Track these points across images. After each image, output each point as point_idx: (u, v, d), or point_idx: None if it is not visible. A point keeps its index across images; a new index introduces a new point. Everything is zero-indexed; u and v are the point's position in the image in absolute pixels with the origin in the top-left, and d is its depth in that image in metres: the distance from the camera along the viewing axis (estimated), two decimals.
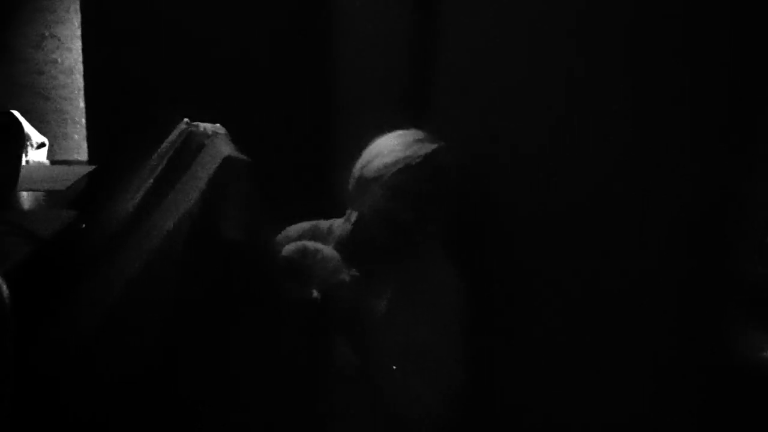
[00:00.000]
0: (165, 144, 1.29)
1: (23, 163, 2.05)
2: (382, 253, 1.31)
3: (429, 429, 1.24)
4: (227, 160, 0.79)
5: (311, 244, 1.16)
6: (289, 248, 1.15)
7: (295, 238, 1.35)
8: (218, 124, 1.32)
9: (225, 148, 0.91)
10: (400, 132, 1.33)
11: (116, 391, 0.77)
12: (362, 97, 1.91)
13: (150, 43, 2.00)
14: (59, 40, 2.35)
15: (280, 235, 1.39)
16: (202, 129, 1.27)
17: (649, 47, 0.91)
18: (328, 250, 1.15)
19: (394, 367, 1.20)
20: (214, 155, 0.88)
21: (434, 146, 1.29)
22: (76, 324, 0.80)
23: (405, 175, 1.26)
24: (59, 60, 2.36)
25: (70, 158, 2.36)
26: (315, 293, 1.04)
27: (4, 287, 0.63)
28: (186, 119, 1.34)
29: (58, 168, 1.84)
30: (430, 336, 1.24)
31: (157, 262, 0.78)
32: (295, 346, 0.91)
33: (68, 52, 2.35)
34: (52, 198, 1.34)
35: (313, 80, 2.06)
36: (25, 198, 1.30)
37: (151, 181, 1.20)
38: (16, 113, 2.02)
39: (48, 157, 2.18)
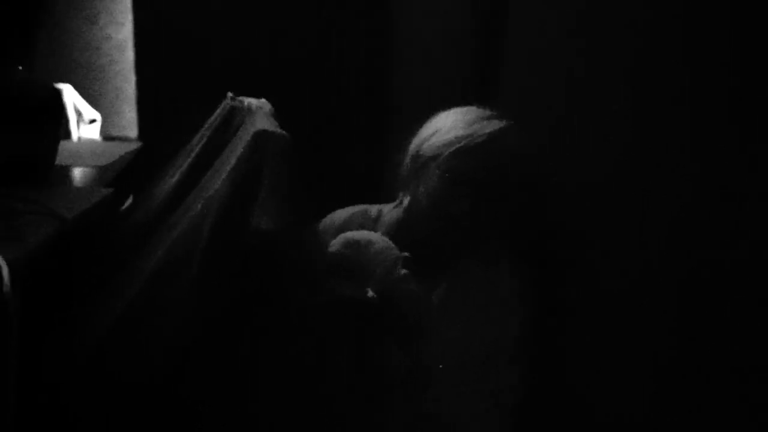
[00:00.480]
0: (209, 121, 1.21)
1: (75, 139, 2.04)
2: (435, 247, 1.16)
3: None
4: (259, 135, 0.68)
5: (362, 236, 1.02)
6: (337, 242, 1.02)
7: (340, 224, 1.24)
8: (263, 99, 1.23)
9: (263, 123, 0.81)
10: (465, 108, 1.17)
11: (126, 394, 0.69)
12: (422, 75, 1.80)
13: (204, 19, 1.94)
14: (112, 14, 2.33)
15: (324, 220, 1.28)
16: (245, 104, 1.18)
17: (648, 47, 0.91)
18: (382, 241, 1.00)
19: (444, 374, 1.08)
20: (251, 131, 0.77)
21: (502, 125, 1.12)
22: (90, 319, 0.72)
23: (465, 156, 1.10)
24: (112, 35, 2.35)
25: (123, 135, 2.35)
26: (370, 293, 0.92)
27: (5, 273, 0.55)
28: (230, 93, 1.27)
29: (103, 144, 1.80)
30: (485, 345, 1.11)
31: (181, 253, 0.69)
32: (340, 350, 0.80)
33: (121, 27, 2.32)
34: (95, 176, 1.30)
35: (365, 59, 1.96)
36: (67, 174, 1.26)
37: (190, 159, 1.12)
38: (68, 87, 2.01)
39: (101, 134, 2.17)
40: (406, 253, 0.99)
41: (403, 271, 0.95)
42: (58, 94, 1.13)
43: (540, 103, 1.17)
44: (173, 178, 1.14)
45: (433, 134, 1.14)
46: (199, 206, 0.72)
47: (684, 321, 0.84)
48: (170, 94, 1.94)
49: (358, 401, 0.93)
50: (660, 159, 0.88)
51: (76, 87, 2.05)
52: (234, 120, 1.13)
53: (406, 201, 1.17)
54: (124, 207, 1.40)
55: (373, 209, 1.28)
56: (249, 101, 1.19)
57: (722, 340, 0.77)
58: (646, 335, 0.91)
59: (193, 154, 1.14)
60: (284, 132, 0.68)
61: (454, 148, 1.10)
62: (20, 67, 1.06)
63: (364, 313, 0.88)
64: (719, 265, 0.77)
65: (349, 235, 1.03)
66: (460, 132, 1.11)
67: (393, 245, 1.01)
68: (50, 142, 1.13)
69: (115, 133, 2.36)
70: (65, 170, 1.25)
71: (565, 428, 1.12)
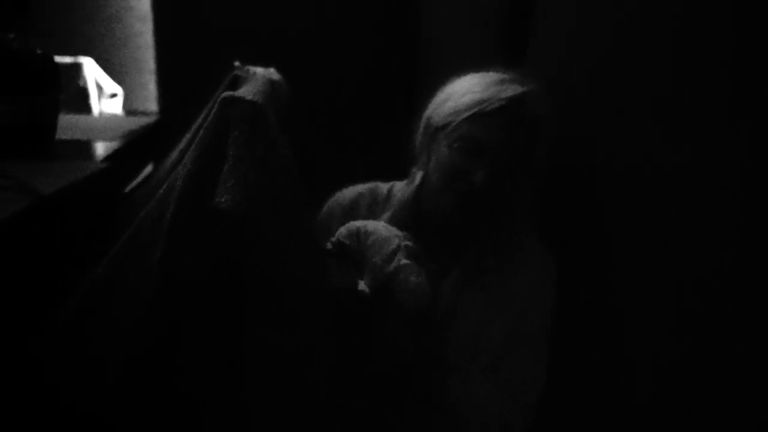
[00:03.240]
0: (216, 93, 1.14)
1: (96, 113, 2.02)
2: (450, 225, 1.05)
3: None
4: (223, 101, 0.60)
5: (364, 225, 0.91)
6: (341, 230, 0.93)
7: (348, 204, 1.15)
8: (272, 69, 1.16)
9: (245, 89, 0.72)
10: (483, 73, 1.04)
11: (95, 381, 0.63)
12: (451, 37, 1.69)
13: None
14: None
15: (331, 200, 1.20)
16: (251, 73, 1.10)
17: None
18: (384, 230, 0.90)
19: (459, 366, 0.99)
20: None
21: (522, 89, 0.99)
22: (58, 303, 0.66)
23: (479, 123, 0.97)
24: (135, 6, 2.30)
25: (146, 109, 2.32)
26: (361, 285, 0.83)
27: None
28: (236, 62, 1.19)
29: (120, 118, 1.75)
30: (509, 333, 1.00)
31: (147, 230, 0.63)
32: (330, 341, 0.72)
33: None
34: (101, 150, 1.24)
35: (396, 25, 1.86)
36: (70, 149, 1.21)
37: (189, 134, 1.05)
38: (88, 60, 1.98)
39: (124, 107, 2.14)
40: (409, 243, 0.88)
41: (403, 261, 0.85)
42: (54, 64, 1.06)
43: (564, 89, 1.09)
44: (174, 154, 1.09)
45: (446, 101, 1.03)
46: (166, 185, 0.64)
47: (684, 321, 0.82)
48: (191, 66, 1.88)
49: (357, 393, 0.86)
50: (660, 158, 0.86)
51: (100, 60, 2.02)
52: (236, 89, 1.07)
53: (418, 177, 1.06)
54: (132, 185, 1.36)
55: (384, 187, 1.19)
56: (255, 70, 1.12)
57: (722, 341, 0.75)
58: (647, 335, 0.89)
59: (192, 130, 1.07)
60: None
61: (467, 114, 0.97)
62: (12, 36, 1.01)
63: (355, 307, 0.79)
64: (719, 265, 0.76)
65: (353, 223, 0.94)
66: (475, 97, 0.98)
67: (396, 234, 0.90)
68: (48, 114, 1.07)
69: (138, 107, 2.34)
70: (69, 144, 1.21)
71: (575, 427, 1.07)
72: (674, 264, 0.84)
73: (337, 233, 0.94)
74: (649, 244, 0.89)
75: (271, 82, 0.94)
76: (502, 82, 1.00)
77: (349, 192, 1.20)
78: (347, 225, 0.94)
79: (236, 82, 1.09)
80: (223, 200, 0.54)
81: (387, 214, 1.09)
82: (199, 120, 1.06)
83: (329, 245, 0.92)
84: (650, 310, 0.89)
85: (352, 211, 1.17)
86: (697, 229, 0.80)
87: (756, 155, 0.71)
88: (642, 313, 0.91)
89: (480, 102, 0.97)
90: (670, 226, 0.85)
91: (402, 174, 1.20)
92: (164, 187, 0.71)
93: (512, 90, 0.98)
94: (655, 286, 0.88)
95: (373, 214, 1.15)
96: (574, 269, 1.07)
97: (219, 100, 0.60)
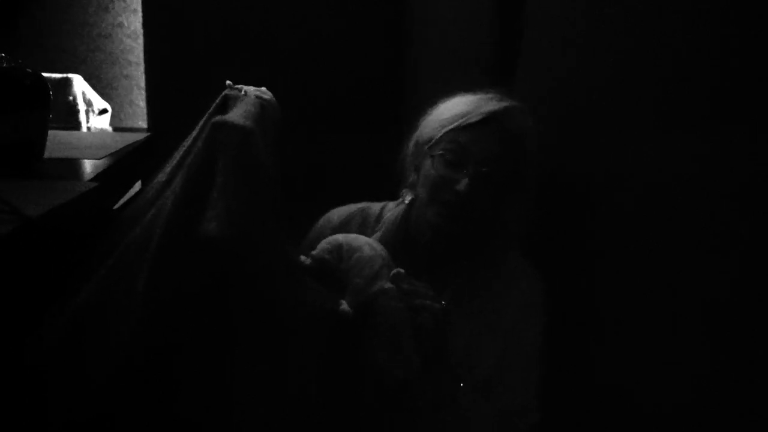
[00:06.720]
0: (208, 112, 1.14)
1: (84, 129, 2.01)
2: (439, 242, 1.05)
3: None
4: (213, 126, 0.60)
5: (349, 240, 0.92)
6: (322, 245, 0.93)
7: (338, 224, 1.16)
8: (264, 88, 1.16)
9: (235, 112, 0.72)
10: (470, 93, 1.08)
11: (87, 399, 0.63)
12: (440, 66, 1.70)
13: (217, 6, 1.88)
14: (125, 2, 2.27)
15: (321, 219, 1.20)
16: (242, 93, 1.10)
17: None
18: (369, 248, 0.89)
19: (449, 391, 0.99)
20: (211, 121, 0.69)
21: (504, 104, 1.02)
22: (44, 323, 0.66)
23: (462, 133, 1.00)
24: (125, 23, 2.30)
25: (135, 125, 2.30)
26: (343, 305, 0.82)
27: None
28: (228, 81, 1.19)
29: (109, 135, 1.75)
30: (500, 355, 1.01)
31: (133, 254, 0.62)
32: (311, 366, 0.72)
33: (134, 15, 2.27)
34: (89, 169, 1.24)
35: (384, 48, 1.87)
36: (58, 167, 1.20)
37: (178, 155, 1.05)
38: (77, 77, 1.97)
39: (113, 124, 2.13)
40: (400, 269, 0.88)
41: (387, 285, 0.84)
42: (44, 82, 1.06)
43: (556, 100, 1.10)
44: (161, 176, 1.08)
45: (433, 119, 1.06)
46: (155, 208, 0.64)
47: (680, 335, 0.82)
48: (181, 83, 1.88)
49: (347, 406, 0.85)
50: (659, 161, 0.85)
51: (90, 76, 2.01)
52: (227, 110, 1.07)
53: (408, 197, 1.07)
54: (121, 202, 1.35)
55: (376, 207, 1.19)
56: (246, 89, 1.12)
57: (724, 341, 0.75)
58: (648, 338, 0.89)
59: (182, 150, 1.07)
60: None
61: (451, 127, 1.01)
62: (2, 54, 1.00)
63: (336, 326, 0.79)
64: (720, 266, 0.75)
65: (336, 238, 0.94)
66: (459, 110, 1.02)
67: (383, 253, 0.90)
68: (36, 132, 1.07)
69: (128, 123, 2.33)
70: (57, 162, 1.20)
71: None
72: (671, 278, 0.84)
73: (319, 247, 0.93)
74: (647, 258, 0.89)
75: (262, 103, 0.94)
76: (485, 98, 1.04)
77: (340, 212, 1.20)
78: (329, 239, 0.94)
79: (227, 103, 1.09)
80: (209, 227, 0.54)
81: (377, 235, 1.09)
82: (189, 140, 1.06)
83: (309, 259, 0.91)
84: (649, 325, 0.89)
85: (342, 231, 1.15)
86: (699, 230, 0.79)
87: (756, 165, 0.71)
88: (640, 328, 0.91)
89: (463, 114, 1.01)
90: (665, 239, 0.85)
91: (392, 188, 1.21)
92: (152, 210, 0.71)
93: (495, 104, 1.02)
94: (650, 299, 0.88)
95: (363, 234, 1.13)
96: (571, 287, 1.07)
97: (210, 124, 0.60)
